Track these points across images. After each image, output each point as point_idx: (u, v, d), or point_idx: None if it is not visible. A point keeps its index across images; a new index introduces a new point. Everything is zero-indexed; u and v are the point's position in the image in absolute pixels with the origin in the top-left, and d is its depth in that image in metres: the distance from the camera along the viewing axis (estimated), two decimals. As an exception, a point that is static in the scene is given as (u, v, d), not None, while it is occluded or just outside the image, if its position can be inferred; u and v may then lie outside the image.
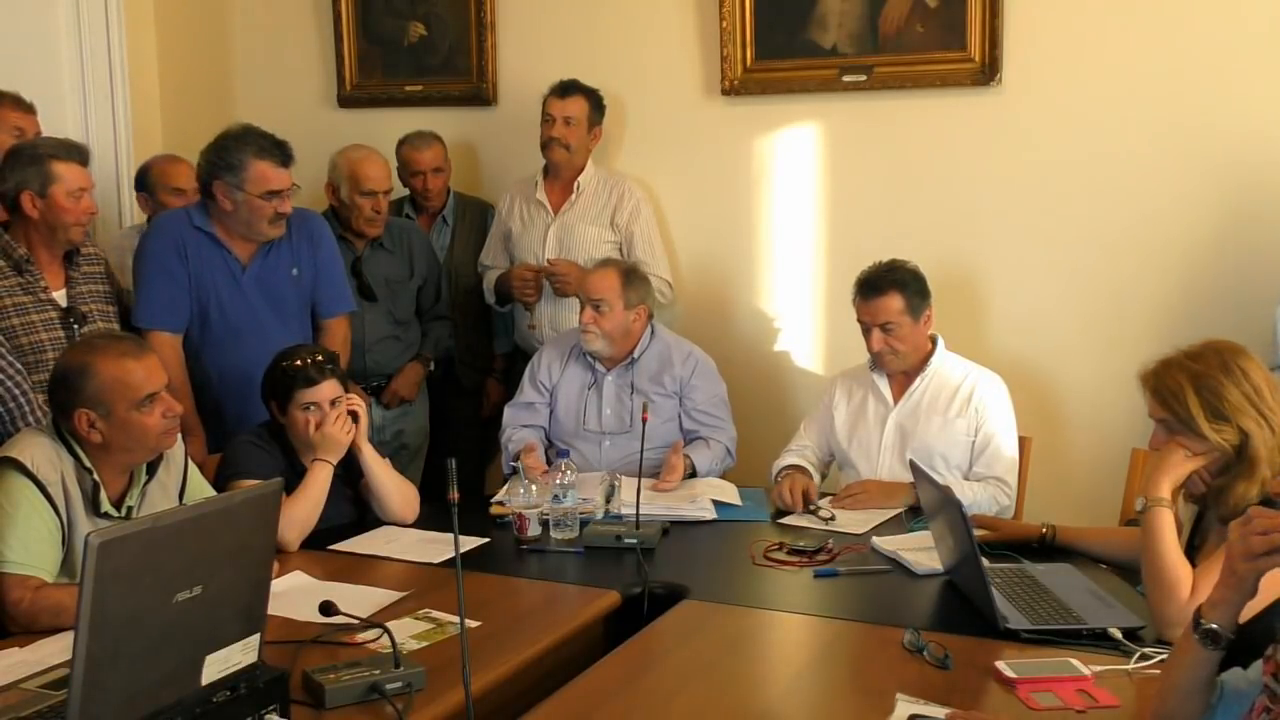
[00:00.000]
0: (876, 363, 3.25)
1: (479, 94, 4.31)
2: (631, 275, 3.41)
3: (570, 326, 3.83)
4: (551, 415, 3.49)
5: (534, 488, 2.92)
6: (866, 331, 3.20)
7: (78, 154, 3.03)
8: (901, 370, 3.25)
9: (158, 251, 3.23)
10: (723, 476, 3.44)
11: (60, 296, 3.02)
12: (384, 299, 3.78)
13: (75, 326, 2.98)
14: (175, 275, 3.20)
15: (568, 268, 3.84)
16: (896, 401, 3.25)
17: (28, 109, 3.51)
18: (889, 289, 3.15)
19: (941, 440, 3.17)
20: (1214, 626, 1.63)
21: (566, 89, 3.88)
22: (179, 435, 2.53)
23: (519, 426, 3.45)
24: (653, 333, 3.49)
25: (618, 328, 3.38)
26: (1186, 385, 2.19)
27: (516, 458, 3.29)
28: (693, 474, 3.32)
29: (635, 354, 3.44)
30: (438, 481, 3.72)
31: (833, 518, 2.99)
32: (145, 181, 3.92)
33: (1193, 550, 2.27)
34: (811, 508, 3.06)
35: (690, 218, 4.09)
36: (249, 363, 3.00)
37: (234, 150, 3.15)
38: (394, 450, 3.73)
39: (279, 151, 3.19)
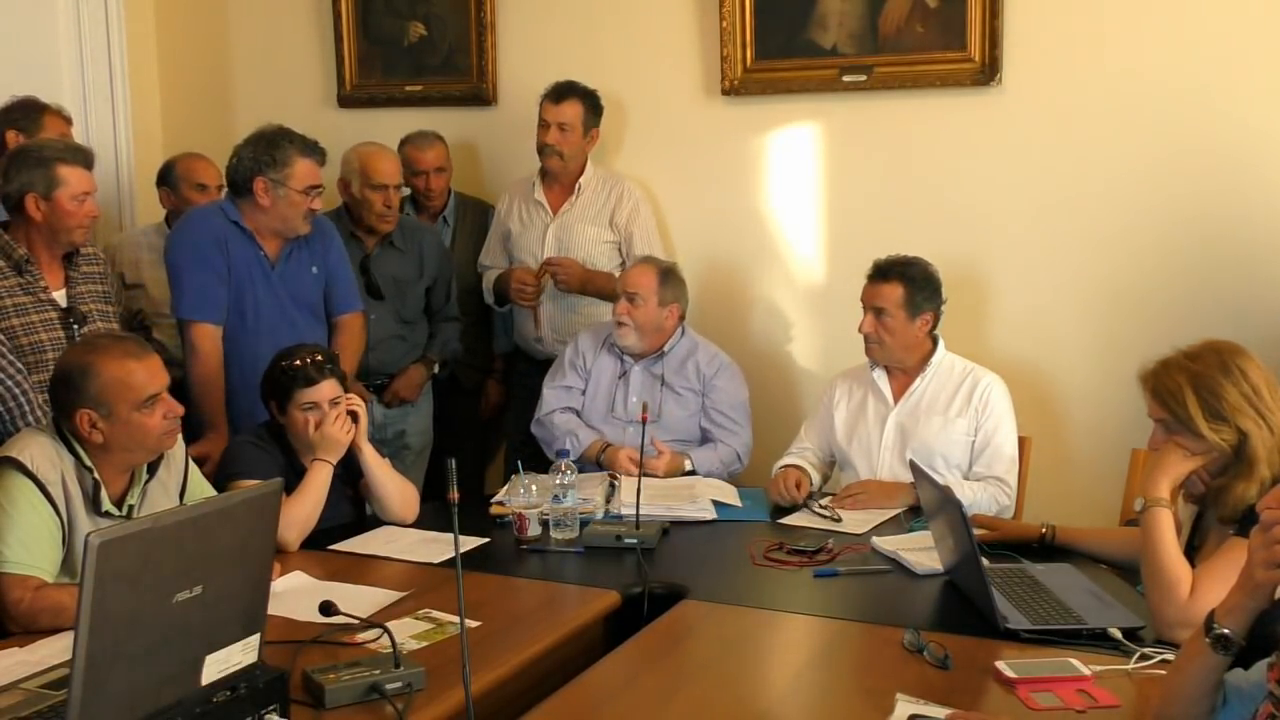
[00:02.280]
0: (865, 349, 3.26)
1: (479, 94, 4.31)
2: (668, 275, 3.51)
3: (572, 329, 3.85)
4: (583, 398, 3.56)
5: (534, 488, 2.92)
6: (864, 312, 3.21)
7: (83, 158, 3.04)
8: (886, 363, 3.26)
9: (197, 243, 3.26)
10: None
11: (60, 297, 3.03)
12: (391, 298, 3.78)
13: (75, 327, 2.98)
14: (215, 266, 3.24)
15: (568, 262, 3.85)
16: (897, 401, 3.25)
17: (68, 120, 3.61)
18: (894, 278, 3.17)
19: (942, 440, 3.17)
20: (1227, 632, 1.62)
21: (561, 93, 3.86)
22: (179, 434, 2.53)
23: (562, 408, 3.52)
24: (683, 333, 3.56)
25: (650, 322, 3.45)
26: (1185, 385, 2.19)
27: (592, 455, 3.39)
28: (691, 472, 3.35)
29: (665, 349, 3.50)
30: (438, 481, 3.73)
31: (839, 519, 2.99)
32: (169, 177, 3.94)
33: (1192, 550, 2.27)
34: (817, 508, 3.06)
35: (690, 218, 4.09)
36: None
37: (280, 147, 3.22)
38: (395, 450, 3.73)
39: (318, 151, 3.29)
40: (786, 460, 3.31)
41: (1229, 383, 2.17)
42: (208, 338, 3.22)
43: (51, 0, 4.24)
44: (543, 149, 3.88)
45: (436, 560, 2.68)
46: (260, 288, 3.29)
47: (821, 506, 3.06)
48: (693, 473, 3.36)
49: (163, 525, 1.69)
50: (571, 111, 3.86)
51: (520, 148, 4.09)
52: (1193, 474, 2.22)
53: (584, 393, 3.55)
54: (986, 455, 3.15)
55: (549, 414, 3.52)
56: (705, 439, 3.48)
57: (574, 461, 3.37)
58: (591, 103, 3.90)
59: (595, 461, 3.38)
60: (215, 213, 3.33)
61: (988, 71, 3.63)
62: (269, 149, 3.22)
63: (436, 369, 3.94)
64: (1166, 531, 2.19)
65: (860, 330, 3.23)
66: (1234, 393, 2.17)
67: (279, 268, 3.32)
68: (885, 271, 3.20)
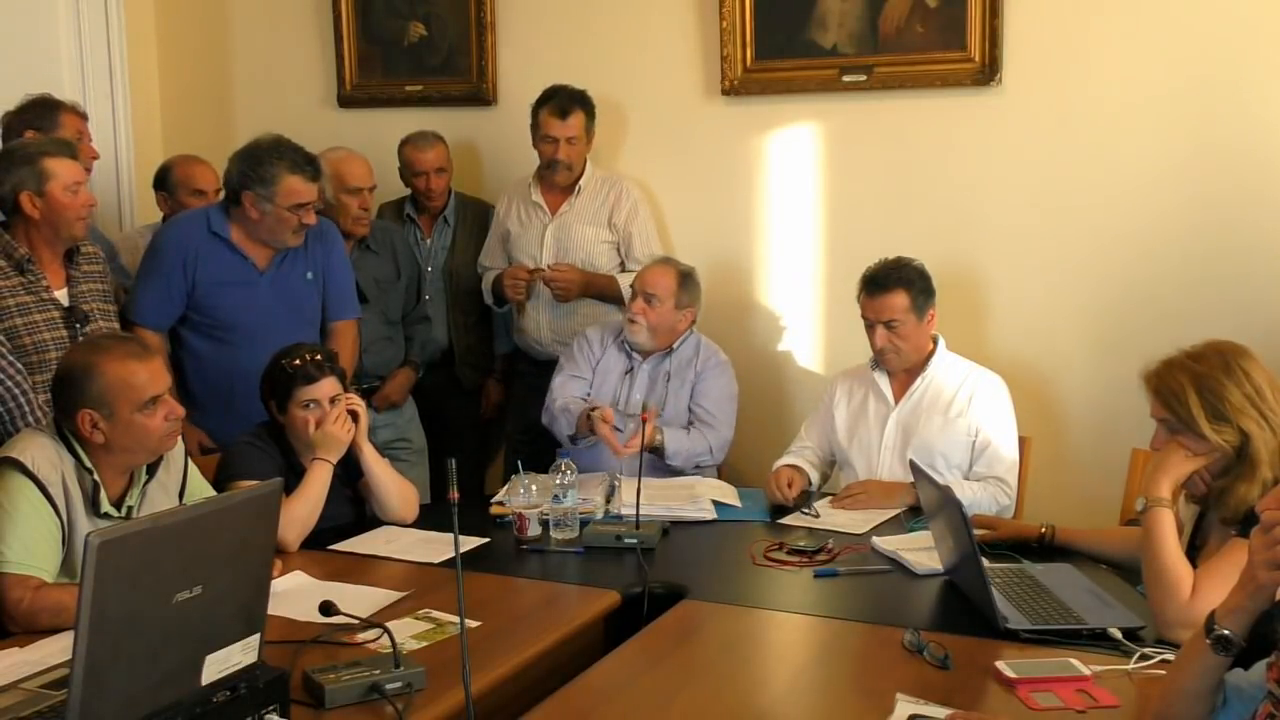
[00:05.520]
0: (879, 360, 3.26)
1: (479, 94, 4.31)
2: (688, 279, 3.53)
3: (572, 330, 3.85)
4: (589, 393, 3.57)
5: (534, 488, 2.92)
6: (870, 328, 3.20)
7: (67, 149, 3.04)
8: (903, 369, 3.26)
9: (159, 251, 3.30)
10: (721, 477, 3.46)
11: (62, 296, 3.02)
12: (375, 300, 3.77)
13: (78, 326, 2.98)
14: (170, 277, 3.26)
15: (567, 272, 3.85)
16: (898, 401, 3.25)
17: (83, 116, 3.65)
18: (894, 286, 3.16)
19: (942, 440, 3.17)
20: (1227, 633, 1.62)
21: (565, 109, 3.83)
22: (180, 436, 2.53)
23: (569, 395, 3.52)
24: (691, 332, 3.58)
25: (664, 323, 3.47)
26: (1188, 386, 2.19)
27: (579, 428, 3.37)
28: (659, 449, 3.35)
29: (674, 347, 3.52)
30: (439, 482, 3.73)
31: (817, 515, 2.99)
32: (166, 181, 3.94)
33: (1194, 550, 2.27)
34: (806, 510, 3.06)
35: (690, 218, 4.09)
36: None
37: (268, 163, 3.22)
38: (396, 454, 3.72)
39: (310, 167, 3.27)
40: (786, 460, 3.31)
41: (1232, 383, 2.17)
42: (147, 340, 3.16)
43: (52, 0, 4.24)
44: (553, 164, 3.87)
45: (436, 560, 2.68)
46: (241, 296, 3.28)
47: (805, 509, 3.06)
48: (660, 449, 3.36)
49: (163, 525, 1.69)
50: (577, 124, 3.86)
51: (520, 148, 4.08)
52: (1194, 474, 2.22)
53: (591, 384, 3.56)
54: (987, 455, 3.15)
55: (553, 402, 3.52)
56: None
57: (573, 436, 3.40)
58: (591, 109, 3.90)
59: (589, 430, 3.36)
60: (196, 222, 3.34)
61: (988, 71, 3.63)
62: (256, 165, 3.22)
63: (420, 373, 3.95)
64: (1168, 532, 2.19)
65: (874, 347, 3.21)
66: (1236, 393, 2.17)
67: (269, 274, 3.32)
68: (883, 281, 3.18)
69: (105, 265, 3.21)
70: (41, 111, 3.52)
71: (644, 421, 3.04)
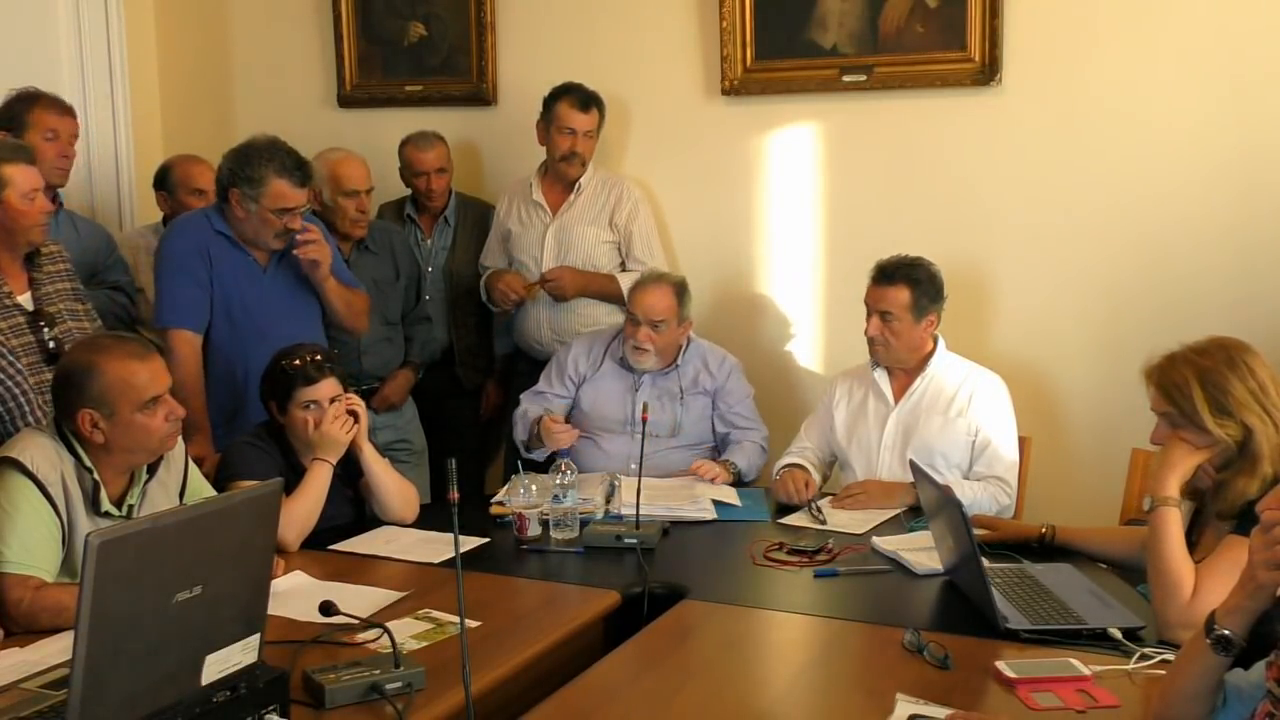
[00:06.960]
0: (870, 350, 3.26)
1: (479, 94, 4.31)
2: (684, 292, 3.50)
3: (572, 328, 3.85)
4: (576, 408, 3.54)
5: (534, 488, 2.92)
6: (868, 315, 3.22)
7: (24, 155, 2.96)
8: (892, 365, 3.26)
9: (180, 252, 3.29)
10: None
11: (26, 300, 2.94)
12: (374, 301, 3.76)
13: (45, 329, 2.91)
14: (197, 275, 3.26)
15: (559, 273, 3.85)
16: (898, 400, 3.25)
17: (65, 110, 3.57)
18: (900, 281, 3.17)
19: (942, 439, 3.17)
20: (1227, 633, 1.62)
21: (586, 102, 3.85)
22: (180, 435, 2.53)
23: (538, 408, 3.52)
24: (689, 340, 3.56)
25: (671, 344, 3.47)
26: (1192, 379, 2.19)
27: (531, 434, 3.39)
28: (738, 475, 3.38)
29: (678, 362, 3.50)
30: (440, 483, 3.73)
31: (825, 521, 2.99)
32: (166, 181, 3.93)
33: (1190, 547, 2.27)
34: (813, 510, 3.06)
35: (690, 218, 4.09)
36: None
37: (256, 164, 3.21)
38: (396, 455, 3.72)
39: (299, 172, 3.26)
40: (788, 460, 3.31)
41: (1236, 378, 2.18)
42: (185, 343, 3.22)
43: (52, 1, 4.24)
44: (568, 156, 3.87)
45: (436, 560, 2.68)
46: (248, 293, 3.29)
47: (815, 509, 3.06)
48: (739, 474, 3.38)
49: (163, 525, 1.69)
50: (594, 119, 3.88)
51: (520, 148, 4.09)
52: (1200, 466, 2.22)
53: (575, 403, 3.53)
54: (987, 455, 3.15)
55: (521, 414, 3.52)
56: (726, 440, 3.49)
57: (525, 443, 3.42)
58: (604, 110, 3.92)
59: (537, 435, 3.39)
60: (199, 221, 3.34)
61: (988, 71, 3.63)
62: (245, 164, 3.22)
63: (420, 374, 3.95)
64: (1174, 532, 2.19)
65: (866, 333, 3.22)
66: (1240, 388, 2.17)
67: (269, 271, 3.33)
68: (890, 274, 3.19)
69: (70, 264, 3.11)
70: (17, 109, 3.46)
71: (644, 422, 3.03)
